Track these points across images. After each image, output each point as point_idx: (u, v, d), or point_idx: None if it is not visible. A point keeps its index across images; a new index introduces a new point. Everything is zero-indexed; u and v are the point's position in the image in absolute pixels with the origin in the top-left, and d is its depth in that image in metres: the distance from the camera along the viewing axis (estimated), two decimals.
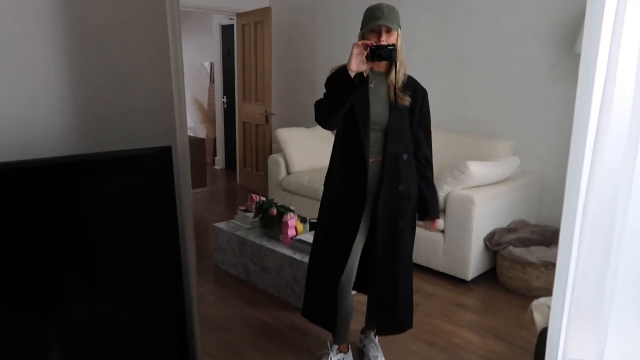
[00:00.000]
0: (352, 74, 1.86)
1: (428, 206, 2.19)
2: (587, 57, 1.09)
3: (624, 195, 1.08)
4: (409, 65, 2.10)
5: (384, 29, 1.92)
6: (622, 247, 1.11)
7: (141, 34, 1.49)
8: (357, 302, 2.39)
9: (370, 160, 2.06)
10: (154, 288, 1.48)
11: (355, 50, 1.85)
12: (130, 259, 1.41)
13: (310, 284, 2.30)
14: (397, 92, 2.03)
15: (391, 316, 2.22)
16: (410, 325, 2.28)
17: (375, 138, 2.06)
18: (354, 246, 2.11)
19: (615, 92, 1.04)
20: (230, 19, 6.13)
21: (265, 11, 5.29)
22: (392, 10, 1.95)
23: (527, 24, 3.69)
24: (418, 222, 2.24)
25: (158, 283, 1.47)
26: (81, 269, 1.35)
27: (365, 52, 1.85)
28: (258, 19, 5.39)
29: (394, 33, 1.94)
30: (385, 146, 2.06)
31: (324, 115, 2.01)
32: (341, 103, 1.94)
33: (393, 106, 2.04)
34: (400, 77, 2.05)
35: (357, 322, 2.57)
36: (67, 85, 1.38)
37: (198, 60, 7.47)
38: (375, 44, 1.86)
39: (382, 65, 2.05)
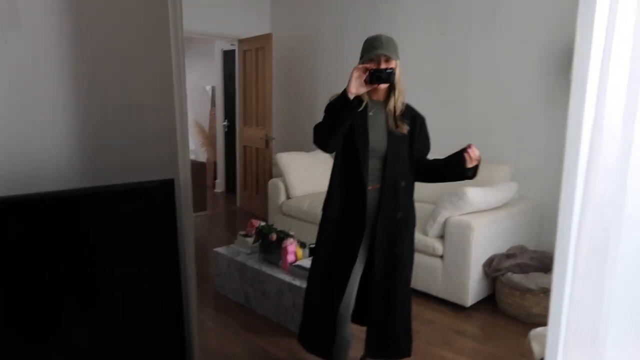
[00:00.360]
0: (352, 97, 1.91)
1: (450, 160, 2.09)
2: (577, 84, 1.13)
3: (617, 222, 1.10)
4: (407, 93, 2.15)
5: (383, 58, 1.98)
6: (616, 274, 1.13)
7: (145, 65, 1.53)
8: (356, 329, 2.38)
9: (369, 187, 2.09)
10: (154, 317, 1.49)
11: (355, 74, 1.91)
12: (131, 290, 1.42)
13: (307, 312, 2.29)
14: (396, 120, 2.08)
15: (389, 344, 2.21)
16: (408, 354, 2.27)
17: (373, 165, 2.10)
18: (353, 274, 2.12)
19: (604, 119, 1.07)
20: (232, 44, 6.24)
21: (267, 38, 5.39)
22: (391, 40, 2.01)
23: (524, 51, 3.77)
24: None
25: (159, 313, 1.49)
26: (83, 300, 1.36)
27: (365, 76, 1.91)
28: (259, 45, 5.50)
29: (393, 62, 2.00)
30: (384, 173, 2.09)
31: (323, 137, 2.05)
32: (340, 124, 1.98)
33: (391, 134, 2.08)
34: (399, 105, 2.09)
35: (357, 349, 2.56)
36: (71, 117, 1.42)
37: (200, 84, 7.57)
38: (374, 68, 1.92)
39: (380, 94, 2.10)
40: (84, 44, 1.43)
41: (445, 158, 2.11)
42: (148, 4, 1.52)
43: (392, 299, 2.16)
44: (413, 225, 2.20)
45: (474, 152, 2.01)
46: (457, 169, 2.04)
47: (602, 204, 1.11)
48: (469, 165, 2.01)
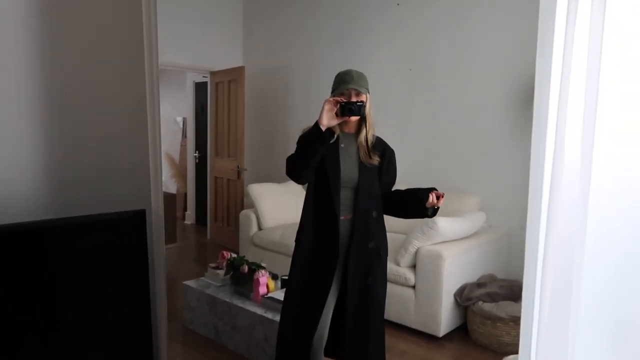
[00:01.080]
0: (323, 128, 1.96)
1: (413, 191, 2.11)
2: (538, 120, 1.18)
3: (579, 251, 1.14)
4: (377, 126, 2.21)
5: (353, 92, 2.03)
6: (581, 302, 1.16)
7: (119, 97, 1.53)
8: None
9: (341, 217, 2.11)
10: (124, 349, 1.44)
11: (327, 107, 1.96)
12: (101, 320, 1.38)
13: (281, 343, 2.26)
14: (368, 151, 2.12)
15: None
16: None
17: (345, 196, 2.12)
18: (326, 305, 2.11)
19: (565, 150, 1.13)
20: (204, 76, 6.27)
21: (239, 70, 5.45)
22: (361, 75, 2.08)
23: (489, 86, 3.92)
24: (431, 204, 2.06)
25: (128, 344, 1.44)
26: (50, 335, 1.31)
27: (336, 108, 1.95)
28: (232, 78, 5.54)
29: (363, 96, 2.05)
30: (356, 204, 2.11)
31: (295, 168, 2.08)
32: (312, 156, 2.02)
33: (363, 165, 2.12)
34: (370, 138, 2.14)
35: None
36: (42, 148, 1.39)
37: (171, 116, 7.54)
38: (345, 100, 1.97)
39: (352, 126, 2.15)
40: (56, 76, 1.42)
41: (406, 190, 2.15)
42: (123, 38, 1.53)
43: (365, 329, 2.14)
44: (385, 255, 2.22)
45: (439, 197, 2.04)
46: (417, 204, 2.07)
47: (565, 234, 1.15)
48: (432, 204, 2.04)
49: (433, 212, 2.09)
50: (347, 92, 2.04)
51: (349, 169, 2.12)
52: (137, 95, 1.54)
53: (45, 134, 1.42)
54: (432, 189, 2.04)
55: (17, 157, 1.37)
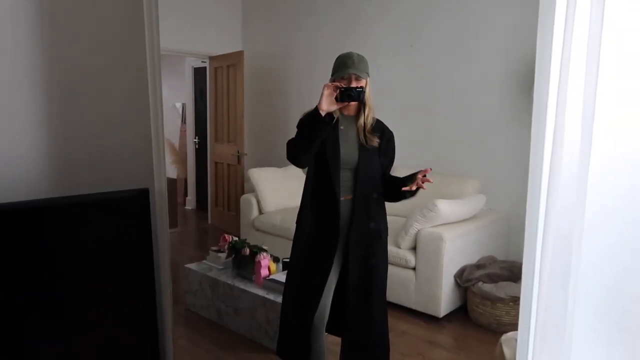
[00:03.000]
0: (323, 113, 1.97)
1: (396, 179, 2.15)
2: (539, 103, 1.19)
3: (578, 230, 1.16)
4: (377, 109, 2.21)
5: (353, 77, 2.03)
6: (580, 281, 1.19)
7: (121, 77, 1.53)
8: (329, 342, 2.38)
9: (342, 198, 2.12)
10: (128, 331, 1.46)
11: (326, 92, 1.97)
12: (105, 301, 1.40)
13: (283, 323, 2.30)
14: (366, 133, 2.13)
15: (366, 354, 2.22)
16: None
17: (345, 177, 2.13)
18: (327, 285, 2.14)
19: (565, 133, 1.13)
20: (202, 61, 6.24)
21: (238, 55, 5.41)
22: (362, 59, 2.07)
23: (489, 69, 3.90)
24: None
25: (133, 326, 1.46)
26: (52, 316, 1.33)
27: (335, 94, 1.96)
28: (231, 62, 5.51)
29: (363, 80, 2.05)
30: (355, 185, 2.13)
31: (295, 152, 2.10)
32: (312, 140, 2.03)
33: (362, 147, 2.13)
34: (369, 121, 2.15)
35: None
36: (45, 128, 1.40)
37: (170, 101, 7.51)
38: (344, 86, 1.98)
39: (351, 109, 2.15)
40: (56, 56, 1.42)
41: (396, 178, 2.17)
42: (125, 20, 1.52)
43: (368, 310, 2.17)
44: (386, 236, 2.24)
45: (421, 184, 2.03)
46: (397, 189, 2.09)
47: (563, 213, 1.16)
48: (412, 188, 2.04)
49: (411, 194, 2.10)
50: (347, 77, 2.04)
51: (348, 151, 2.13)
52: (139, 75, 1.54)
53: (48, 115, 1.42)
54: (417, 173, 2.03)
55: (20, 138, 1.38)
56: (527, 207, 1.22)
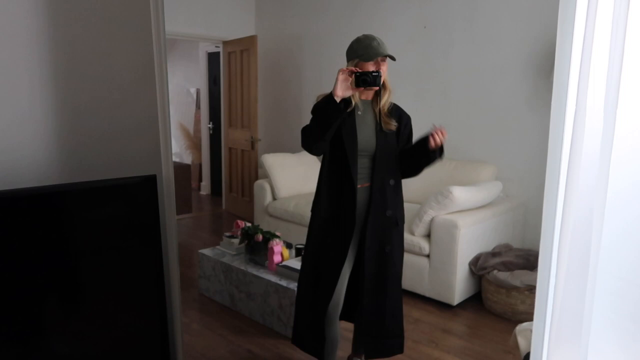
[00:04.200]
0: (338, 99, 1.91)
1: (417, 145, 2.08)
2: (559, 84, 1.14)
3: (599, 217, 1.11)
4: (394, 93, 2.16)
5: (379, 59, 1.98)
6: (598, 272, 1.14)
7: (127, 62, 1.51)
8: (342, 328, 2.37)
9: (359, 186, 2.09)
10: (137, 316, 1.46)
11: (341, 77, 1.91)
12: (114, 287, 1.40)
13: (299, 312, 2.29)
14: (384, 118, 2.08)
15: (381, 341, 2.20)
16: (400, 350, 2.26)
17: (363, 164, 2.09)
18: (342, 273, 2.12)
19: (586, 119, 1.08)
20: (216, 46, 6.21)
21: (251, 39, 5.37)
22: (383, 42, 2.03)
23: (506, 53, 3.80)
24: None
25: (142, 311, 1.46)
26: (62, 301, 1.33)
27: (351, 79, 1.90)
28: (244, 47, 5.47)
29: (385, 64, 2.01)
30: (373, 172, 2.09)
31: (310, 140, 2.05)
32: (327, 128, 1.98)
33: (380, 132, 2.08)
34: (387, 104, 2.10)
35: (343, 349, 2.55)
36: (51, 112, 1.39)
37: (184, 87, 7.52)
38: (360, 70, 1.92)
39: (369, 94, 2.10)
40: (62, 40, 1.40)
41: (411, 147, 2.11)
42: (130, 2, 1.50)
43: (383, 297, 2.15)
44: (402, 224, 2.20)
45: (440, 136, 1.98)
46: (425, 153, 2.03)
47: (584, 199, 1.12)
48: (436, 145, 1.98)
49: (441, 151, 2.05)
50: (375, 59, 1.98)
51: (366, 137, 2.08)
52: (144, 60, 1.52)
53: (54, 101, 1.41)
54: (430, 133, 1.98)
55: (26, 124, 1.37)
56: (545, 194, 1.17)
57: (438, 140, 1.98)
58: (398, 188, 2.16)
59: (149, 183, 1.35)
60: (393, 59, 2.03)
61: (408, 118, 2.19)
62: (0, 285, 1.20)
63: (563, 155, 1.15)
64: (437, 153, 2.03)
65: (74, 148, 1.44)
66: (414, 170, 2.15)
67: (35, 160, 1.37)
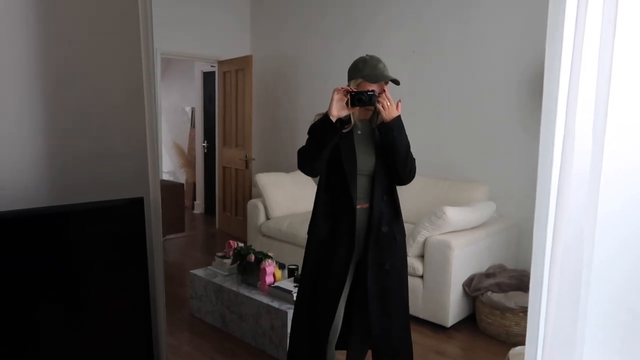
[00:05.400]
0: (334, 119, 1.90)
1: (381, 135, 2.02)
2: (548, 104, 1.14)
3: (589, 237, 1.10)
4: None
5: (384, 83, 2.00)
6: (590, 290, 1.13)
7: (116, 83, 1.51)
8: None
9: (358, 207, 2.06)
10: (123, 338, 1.43)
11: (336, 96, 1.90)
12: (100, 308, 1.37)
13: (295, 338, 2.21)
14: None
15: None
16: None
17: (361, 184, 2.06)
18: (341, 297, 2.07)
19: (575, 140, 1.08)
20: (212, 66, 6.25)
21: (247, 59, 5.41)
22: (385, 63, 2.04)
23: (499, 75, 3.84)
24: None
25: (128, 332, 1.43)
26: (50, 319, 1.30)
27: (346, 98, 1.90)
28: (239, 67, 5.51)
29: (388, 86, 2.01)
30: (373, 192, 2.05)
31: (307, 161, 2.03)
32: (323, 147, 1.96)
33: (379, 151, 2.06)
34: None
35: None
36: (39, 134, 1.38)
37: (180, 105, 7.54)
38: (355, 90, 1.92)
39: (367, 113, 2.08)
40: (51, 62, 1.40)
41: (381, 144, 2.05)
42: (119, 22, 1.50)
43: (387, 316, 2.08)
44: (402, 237, 2.14)
45: (384, 100, 1.93)
46: (386, 139, 1.97)
47: (574, 220, 1.11)
48: (387, 113, 1.93)
49: (397, 121, 1.98)
50: (381, 81, 1.98)
51: (365, 157, 2.05)
52: (134, 81, 1.51)
53: (42, 122, 1.40)
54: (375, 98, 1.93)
55: (13, 145, 1.36)
56: (535, 215, 1.17)
57: (384, 103, 1.92)
58: (392, 201, 2.12)
59: (136, 205, 1.33)
60: (397, 83, 2.01)
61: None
62: None
63: (553, 176, 1.15)
64: (392, 124, 1.95)
65: (62, 169, 1.43)
66: (395, 162, 2.02)
67: (23, 181, 1.36)
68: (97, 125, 1.49)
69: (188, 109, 7.45)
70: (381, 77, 1.98)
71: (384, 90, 1.98)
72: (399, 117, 1.97)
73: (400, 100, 2.01)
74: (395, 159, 2.00)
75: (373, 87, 1.97)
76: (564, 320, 1.10)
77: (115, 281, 1.39)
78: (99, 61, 1.48)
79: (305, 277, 2.17)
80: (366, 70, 2.00)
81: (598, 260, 1.09)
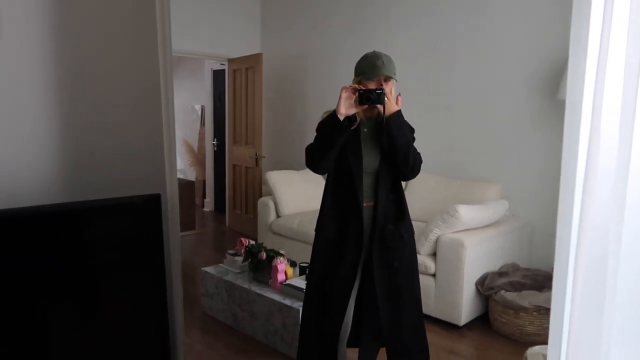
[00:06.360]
0: (341, 117, 1.89)
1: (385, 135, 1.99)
2: (572, 102, 1.11)
3: (616, 237, 1.08)
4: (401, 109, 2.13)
5: (382, 79, 1.96)
6: (616, 294, 1.10)
7: (133, 80, 1.50)
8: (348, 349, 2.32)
9: (364, 204, 2.05)
10: (140, 337, 1.42)
11: (344, 95, 1.90)
12: (116, 306, 1.37)
13: (304, 337, 2.20)
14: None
15: (404, 358, 2.12)
16: None
17: (367, 183, 2.06)
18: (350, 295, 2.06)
19: (601, 134, 1.06)
20: (221, 64, 6.25)
21: (257, 57, 5.40)
22: (390, 60, 2.01)
23: (511, 73, 3.80)
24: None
25: (144, 331, 1.42)
26: (66, 317, 1.30)
27: (354, 96, 1.89)
28: (249, 65, 5.50)
29: (391, 82, 1.99)
30: (377, 190, 2.05)
31: (314, 159, 2.03)
32: (331, 146, 1.96)
33: (384, 150, 2.04)
34: None
35: None
36: (56, 131, 1.38)
37: (189, 104, 7.55)
38: (363, 88, 1.90)
39: (374, 111, 2.07)
40: (69, 58, 1.40)
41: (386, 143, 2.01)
42: (137, 21, 1.50)
43: (398, 314, 2.07)
44: (409, 235, 2.13)
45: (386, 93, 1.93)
46: (386, 131, 1.95)
47: (600, 216, 1.09)
48: (386, 108, 1.92)
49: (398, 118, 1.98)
50: (376, 79, 1.96)
51: (371, 155, 2.05)
52: (150, 79, 1.51)
53: (59, 118, 1.40)
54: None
55: (31, 141, 1.36)
56: (559, 211, 1.14)
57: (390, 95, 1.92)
58: (398, 201, 2.10)
59: (153, 202, 1.33)
60: (390, 78, 1.99)
61: (412, 129, 2.14)
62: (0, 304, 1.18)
63: (578, 172, 1.12)
64: (391, 118, 1.93)
65: (78, 167, 1.43)
66: (396, 157, 1.99)
67: (40, 178, 1.36)
68: (113, 123, 1.49)
69: (198, 107, 7.46)
70: (376, 74, 1.96)
71: (381, 86, 1.96)
72: (398, 111, 1.96)
73: (400, 94, 2.00)
74: (395, 153, 1.99)
75: (372, 83, 1.96)
76: (588, 319, 1.07)
77: (132, 278, 1.38)
78: (116, 60, 1.48)
79: (314, 275, 2.16)
80: (364, 67, 2.00)
81: (624, 258, 1.07)
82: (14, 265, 1.19)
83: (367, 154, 2.04)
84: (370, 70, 1.97)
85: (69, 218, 1.26)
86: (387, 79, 1.98)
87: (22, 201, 1.29)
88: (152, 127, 1.51)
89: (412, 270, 2.14)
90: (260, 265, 3.17)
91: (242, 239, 3.46)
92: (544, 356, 1.72)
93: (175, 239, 1.51)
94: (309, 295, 2.18)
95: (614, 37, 1.04)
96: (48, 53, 1.36)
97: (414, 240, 2.17)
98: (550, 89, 3.58)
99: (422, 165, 2.12)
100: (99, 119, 1.46)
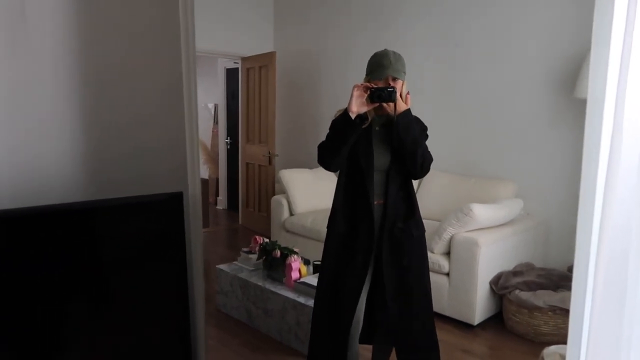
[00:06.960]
0: (353, 116, 1.91)
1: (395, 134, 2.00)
2: (594, 101, 1.11)
3: (637, 237, 1.07)
4: (412, 108, 2.13)
5: (390, 78, 1.97)
6: (637, 293, 1.10)
7: (155, 78, 1.52)
8: (361, 347, 2.33)
9: (375, 202, 2.06)
10: (161, 335, 1.45)
11: (356, 93, 1.91)
12: (138, 304, 1.39)
13: (316, 333, 2.22)
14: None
15: (415, 357, 2.13)
16: None
17: (378, 181, 2.07)
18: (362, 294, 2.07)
19: (623, 132, 1.05)
20: (235, 62, 6.28)
21: (270, 56, 5.42)
22: (399, 58, 2.01)
23: (527, 70, 3.77)
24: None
25: (166, 329, 1.44)
26: (86, 317, 1.33)
27: (366, 94, 1.90)
28: (262, 63, 5.52)
29: (399, 82, 1.99)
30: (387, 188, 2.05)
31: (326, 156, 2.05)
32: (344, 143, 1.98)
33: (395, 148, 2.05)
34: None
35: None
36: (79, 129, 1.40)
37: (202, 102, 7.60)
38: (375, 86, 1.91)
39: (386, 109, 2.07)
40: (92, 57, 1.42)
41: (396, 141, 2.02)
42: (160, 18, 1.52)
43: (408, 312, 2.08)
44: (420, 233, 2.13)
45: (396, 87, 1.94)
46: (395, 132, 1.96)
47: (622, 214, 1.08)
48: (398, 105, 1.94)
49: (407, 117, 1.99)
50: (383, 78, 1.97)
51: (382, 153, 2.06)
52: (173, 77, 1.53)
53: (83, 118, 1.42)
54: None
55: (54, 140, 1.39)
56: (580, 209, 1.13)
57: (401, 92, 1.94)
58: (408, 199, 2.10)
59: (176, 200, 1.35)
60: (399, 77, 1.99)
61: (424, 127, 2.14)
62: (22, 301, 1.20)
63: (600, 170, 1.11)
64: (399, 116, 1.94)
65: (101, 164, 1.45)
66: (404, 155, 2.00)
67: (63, 176, 1.38)
68: (136, 121, 1.51)
69: (211, 106, 7.50)
70: (380, 74, 1.97)
71: (389, 84, 1.96)
72: (407, 110, 1.98)
73: (408, 93, 2.00)
74: (403, 152, 1.99)
75: (380, 82, 1.97)
76: (609, 319, 1.07)
77: (154, 276, 1.40)
78: (139, 60, 1.50)
79: (325, 272, 2.18)
80: (373, 66, 2.02)
81: None
82: (38, 263, 1.22)
83: (378, 152, 2.05)
84: (377, 70, 1.99)
85: (93, 216, 1.29)
86: (395, 78, 1.98)
87: (47, 199, 1.31)
88: (175, 125, 1.53)
89: (422, 268, 2.15)
90: (274, 263, 3.19)
91: (257, 236, 3.48)
92: (561, 356, 1.72)
93: (197, 237, 1.53)
94: (321, 291, 2.20)
95: (639, 33, 1.03)
96: (71, 53, 1.38)
97: (425, 237, 2.17)
98: (566, 87, 3.55)
99: (435, 163, 2.13)
100: (121, 118, 1.49)
